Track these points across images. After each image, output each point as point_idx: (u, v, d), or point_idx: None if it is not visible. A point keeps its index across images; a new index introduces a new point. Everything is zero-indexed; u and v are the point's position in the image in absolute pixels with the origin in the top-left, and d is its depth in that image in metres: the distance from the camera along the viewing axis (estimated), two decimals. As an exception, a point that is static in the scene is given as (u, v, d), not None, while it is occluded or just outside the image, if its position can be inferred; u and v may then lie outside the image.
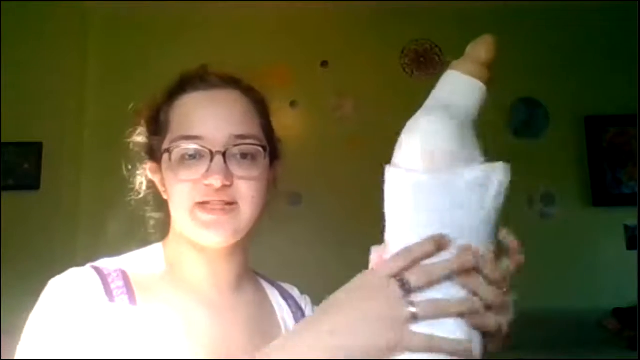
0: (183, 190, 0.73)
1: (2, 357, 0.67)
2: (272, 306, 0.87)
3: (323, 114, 2.93)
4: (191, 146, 0.73)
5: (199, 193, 0.73)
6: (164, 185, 0.79)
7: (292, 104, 2.94)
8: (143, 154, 0.83)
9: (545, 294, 2.62)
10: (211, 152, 0.73)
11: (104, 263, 0.76)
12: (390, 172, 0.62)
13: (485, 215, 0.58)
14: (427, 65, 2.95)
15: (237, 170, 0.74)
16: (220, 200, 0.72)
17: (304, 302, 0.92)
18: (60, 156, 2.68)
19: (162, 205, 0.83)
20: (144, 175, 0.84)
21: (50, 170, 2.66)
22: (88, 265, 0.74)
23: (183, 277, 0.78)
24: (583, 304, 2.64)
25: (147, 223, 0.87)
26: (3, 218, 2.47)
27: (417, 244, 0.56)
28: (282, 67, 2.93)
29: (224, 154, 0.73)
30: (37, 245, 2.46)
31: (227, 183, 0.72)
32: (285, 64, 2.93)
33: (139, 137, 0.84)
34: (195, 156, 0.73)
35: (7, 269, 2.35)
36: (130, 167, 0.86)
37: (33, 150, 2.70)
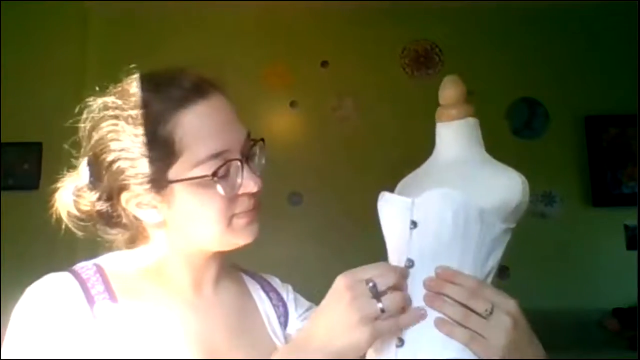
0: (221, 206, 0.71)
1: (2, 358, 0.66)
2: (254, 300, 0.87)
3: (323, 114, 2.93)
4: (226, 163, 0.71)
5: (238, 204, 0.73)
6: (168, 208, 0.72)
7: (292, 104, 2.94)
8: (132, 184, 0.71)
9: (545, 294, 2.62)
10: (241, 162, 0.72)
11: (82, 267, 0.74)
12: None
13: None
14: (427, 65, 2.95)
15: (254, 168, 0.76)
16: (254, 207, 0.75)
17: (286, 292, 0.92)
18: (60, 156, 2.68)
19: (129, 224, 0.77)
20: (134, 204, 0.73)
21: (50, 170, 2.65)
22: (66, 272, 0.71)
23: (163, 279, 0.77)
24: (583, 304, 2.64)
25: (116, 242, 0.80)
26: (3, 218, 2.47)
27: (402, 268, 0.68)
28: (282, 67, 2.93)
29: (247, 159, 0.74)
30: (37, 245, 2.46)
31: (260, 188, 0.74)
32: (285, 64, 2.93)
33: (128, 166, 0.71)
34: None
35: (7, 269, 2.35)
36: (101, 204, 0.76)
37: (33, 150, 2.70)
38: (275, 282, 0.93)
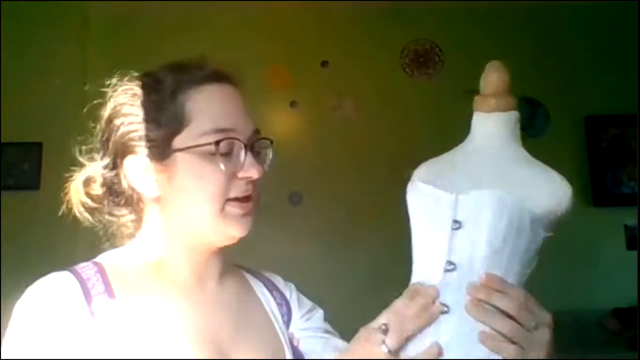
0: (220, 183, 0.72)
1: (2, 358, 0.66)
2: (258, 298, 0.87)
3: (323, 114, 2.93)
4: (229, 139, 0.72)
5: (234, 187, 0.73)
6: (176, 181, 0.73)
7: (292, 104, 2.94)
8: (136, 147, 0.74)
9: (545, 294, 2.62)
10: (245, 146, 0.73)
11: (83, 266, 0.74)
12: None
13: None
14: (427, 65, 2.95)
15: (259, 160, 0.77)
16: (249, 195, 0.74)
17: (289, 290, 0.91)
18: (60, 156, 2.68)
19: (132, 202, 0.79)
20: (135, 171, 0.75)
21: (50, 170, 2.66)
22: (66, 271, 0.72)
23: (166, 273, 0.77)
24: (583, 304, 2.64)
25: (114, 226, 0.81)
26: (3, 218, 2.47)
27: (405, 306, 0.67)
28: (282, 68, 2.93)
29: (252, 148, 0.75)
30: (37, 245, 2.46)
31: (260, 175, 0.75)
32: (285, 64, 2.93)
33: (136, 128, 0.74)
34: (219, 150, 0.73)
35: (7, 269, 2.35)
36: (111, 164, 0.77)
37: (33, 150, 2.70)
38: (278, 280, 0.93)
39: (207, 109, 0.74)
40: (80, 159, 0.80)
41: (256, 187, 0.76)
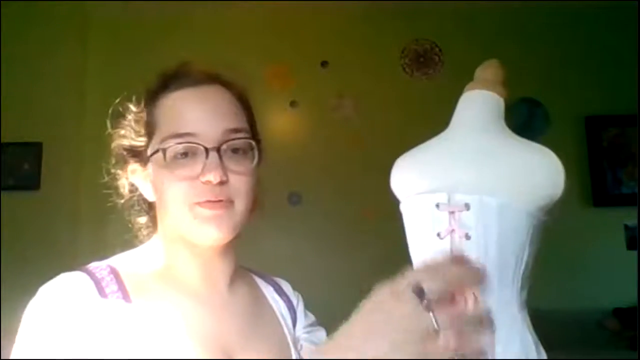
0: (180, 189, 0.72)
1: (2, 358, 0.66)
2: (268, 302, 0.87)
3: (323, 114, 2.93)
4: (183, 144, 0.72)
5: (197, 192, 0.72)
6: (154, 186, 0.77)
7: (292, 104, 2.94)
8: (127, 157, 0.80)
9: (546, 294, 2.62)
10: (206, 149, 0.72)
11: (96, 266, 0.74)
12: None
13: None
14: (427, 65, 2.95)
15: (231, 165, 0.73)
16: (218, 199, 0.72)
17: (296, 299, 0.91)
18: (60, 156, 2.68)
19: (146, 208, 0.83)
20: (126, 178, 0.81)
21: (50, 170, 2.66)
22: (79, 271, 0.72)
23: (177, 277, 0.77)
24: (583, 304, 2.64)
25: (135, 227, 0.85)
26: (3, 218, 2.47)
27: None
28: (282, 68, 2.93)
29: (218, 150, 0.72)
30: (38, 245, 2.46)
31: (224, 179, 0.72)
32: (285, 64, 2.93)
33: (123, 139, 0.80)
34: (187, 154, 0.72)
35: (7, 269, 2.35)
36: (112, 171, 0.83)
37: (33, 150, 2.70)
38: (287, 287, 0.93)
39: (170, 115, 0.75)
40: (113, 171, 0.84)
41: (237, 189, 0.74)
